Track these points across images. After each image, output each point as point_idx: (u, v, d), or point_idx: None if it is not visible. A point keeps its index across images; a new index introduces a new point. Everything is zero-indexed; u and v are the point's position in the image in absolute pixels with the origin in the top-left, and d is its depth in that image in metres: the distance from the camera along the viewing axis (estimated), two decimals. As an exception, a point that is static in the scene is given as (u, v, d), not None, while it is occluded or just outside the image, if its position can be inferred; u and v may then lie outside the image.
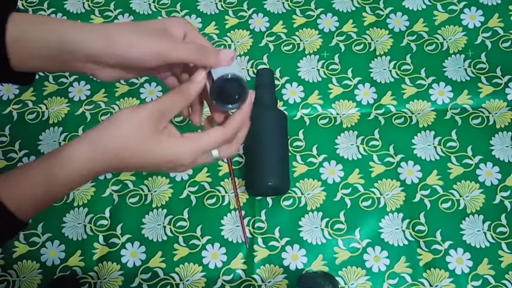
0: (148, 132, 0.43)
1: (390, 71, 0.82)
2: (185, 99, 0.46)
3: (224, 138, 0.46)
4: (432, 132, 0.77)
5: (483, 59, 0.82)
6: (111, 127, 0.43)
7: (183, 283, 0.71)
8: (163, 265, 0.72)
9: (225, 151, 0.48)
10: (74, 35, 0.43)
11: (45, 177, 0.41)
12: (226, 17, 0.87)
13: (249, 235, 0.73)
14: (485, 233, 0.71)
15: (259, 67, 0.82)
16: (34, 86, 0.83)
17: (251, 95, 0.47)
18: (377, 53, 0.83)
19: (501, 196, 0.73)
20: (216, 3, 0.88)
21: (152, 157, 0.44)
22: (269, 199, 0.75)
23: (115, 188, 0.76)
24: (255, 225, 0.73)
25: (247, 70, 0.83)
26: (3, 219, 0.40)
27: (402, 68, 0.82)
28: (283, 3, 0.88)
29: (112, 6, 0.89)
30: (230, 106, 0.47)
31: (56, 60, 0.45)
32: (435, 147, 0.76)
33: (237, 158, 0.77)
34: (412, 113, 0.79)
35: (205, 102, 0.51)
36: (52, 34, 0.43)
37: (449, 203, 0.73)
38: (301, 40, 0.85)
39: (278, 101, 0.79)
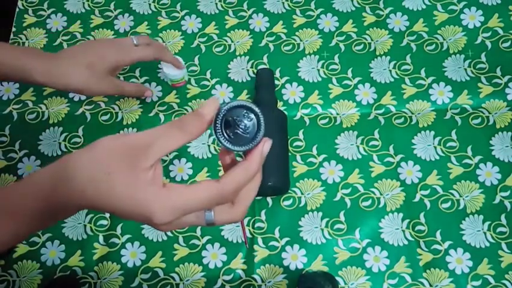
0: (120, 167, 0.33)
1: (390, 71, 0.82)
2: (186, 136, 0.35)
3: (218, 196, 0.34)
4: (432, 132, 0.77)
5: (483, 59, 0.82)
6: (85, 152, 0.34)
7: (183, 283, 0.71)
8: (163, 265, 0.72)
9: (222, 214, 0.36)
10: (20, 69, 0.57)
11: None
12: (226, 17, 0.87)
13: (249, 235, 0.73)
14: (485, 233, 0.71)
15: (259, 67, 0.82)
16: (34, 86, 0.83)
17: (265, 143, 0.36)
18: (377, 53, 0.83)
19: (501, 196, 0.73)
20: (216, 3, 0.88)
21: (116, 199, 0.33)
22: (269, 199, 0.75)
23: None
24: (255, 225, 0.73)
25: (247, 70, 0.83)
26: None
27: (402, 68, 0.82)
28: (283, 3, 0.88)
29: (112, 6, 0.89)
30: (229, 145, 0.35)
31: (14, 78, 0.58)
32: (435, 147, 0.76)
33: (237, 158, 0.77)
34: (412, 113, 0.79)
35: None
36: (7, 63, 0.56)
37: (449, 203, 0.73)
38: (301, 40, 0.85)
39: (278, 101, 0.79)
